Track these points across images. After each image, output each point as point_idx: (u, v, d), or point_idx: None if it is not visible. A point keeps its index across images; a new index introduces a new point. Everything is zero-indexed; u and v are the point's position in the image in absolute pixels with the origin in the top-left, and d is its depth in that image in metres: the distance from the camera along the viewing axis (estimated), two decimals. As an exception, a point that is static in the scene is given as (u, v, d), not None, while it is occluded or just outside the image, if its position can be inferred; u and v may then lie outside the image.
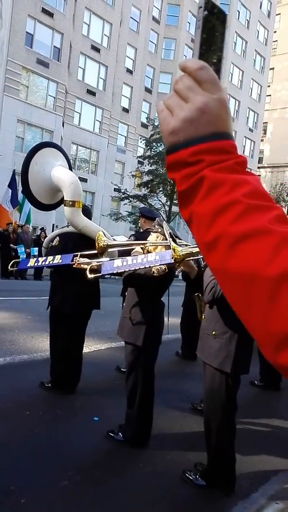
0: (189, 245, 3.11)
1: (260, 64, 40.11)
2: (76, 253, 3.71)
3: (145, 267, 3.08)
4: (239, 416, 4.04)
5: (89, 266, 3.34)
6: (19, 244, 13.46)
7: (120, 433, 3.33)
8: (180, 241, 3.15)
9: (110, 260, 3.33)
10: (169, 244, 2.88)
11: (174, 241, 2.75)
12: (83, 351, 4.92)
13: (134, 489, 2.76)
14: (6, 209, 15.49)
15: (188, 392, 4.65)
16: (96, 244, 3.28)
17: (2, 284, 12.60)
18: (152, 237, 3.40)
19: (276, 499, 2.92)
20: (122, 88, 29.73)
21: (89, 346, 5.78)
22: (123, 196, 23.90)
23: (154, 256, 2.98)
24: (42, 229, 16.02)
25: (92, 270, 3.34)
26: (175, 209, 25.71)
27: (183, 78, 0.58)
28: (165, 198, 24.47)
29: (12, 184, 15.64)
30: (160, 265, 2.99)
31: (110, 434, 3.34)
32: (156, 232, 3.30)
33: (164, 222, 3.16)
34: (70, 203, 3.94)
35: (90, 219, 4.18)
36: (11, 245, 13.55)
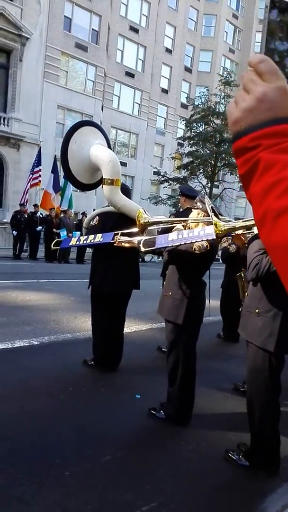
0: (231, 221, 3.01)
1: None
2: (117, 232, 3.69)
3: (185, 244, 3.01)
4: (285, 399, 3.96)
5: (142, 240, 3.31)
6: (61, 229, 13.72)
7: (162, 411, 3.33)
8: (222, 217, 3.04)
9: (163, 234, 3.28)
10: (211, 221, 2.80)
11: (217, 216, 2.66)
12: (125, 331, 4.97)
13: (175, 466, 2.76)
14: (50, 194, 15.82)
15: (230, 373, 4.59)
16: (137, 222, 3.24)
17: (46, 267, 12.96)
18: (193, 214, 3.32)
19: None
20: (161, 68, 29.25)
21: (130, 327, 5.82)
22: (162, 179, 23.71)
23: (198, 231, 2.91)
24: (84, 214, 16.25)
25: (144, 245, 3.31)
26: (215, 191, 25.24)
27: (248, 72, 0.63)
28: (206, 180, 24.02)
29: (54, 170, 15.91)
30: (202, 241, 2.91)
31: (152, 411, 3.35)
32: (198, 208, 3.21)
33: (206, 197, 3.06)
34: (109, 181, 3.92)
35: (130, 199, 4.15)
36: (54, 229, 13.85)
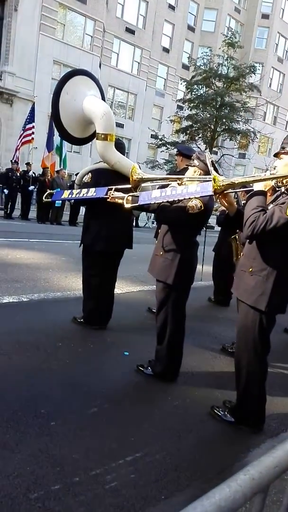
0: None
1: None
2: (111, 187, 3.58)
3: (181, 200, 2.91)
4: (271, 361, 4.00)
5: (126, 196, 3.17)
6: (55, 189, 13.47)
7: (149, 368, 3.34)
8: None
9: (147, 191, 3.17)
10: (207, 179, 2.69)
11: (216, 170, 2.56)
12: (116, 292, 4.93)
13: (161, 420, 2.78)
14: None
15: (220, 335, 4.61)
16: (130, 177, 3.13)
17: (38, 228, 12.81)
18: (190, 172, 3.21)
19: (305, 440, 2.88)
20: (163, 26, 28.05)
21: (121, 288, 5.80)
22: (160, 143, 23.19)
23: (195, 187, 2.80)
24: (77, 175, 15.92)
25: (129, 201, 3.18)
26: (214, 157, 24.80)
27: None
28: (205, 145, 23.55)
29: (49, 129, 15.42)
30: (200, 196, 2.81)
31: (140, 368, 3.36)
32: (194, 166, 3.09)
33: (206, 152, 2.94)
34: (102, 136, 3.76)
35: (124, 155, 4.00)
36: (48, 190, 13.57)
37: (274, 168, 2.61)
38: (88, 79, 4.07)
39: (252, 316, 2.62)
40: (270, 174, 2.52)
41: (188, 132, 23.05)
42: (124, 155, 4.02)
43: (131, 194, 3.26)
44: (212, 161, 2.59)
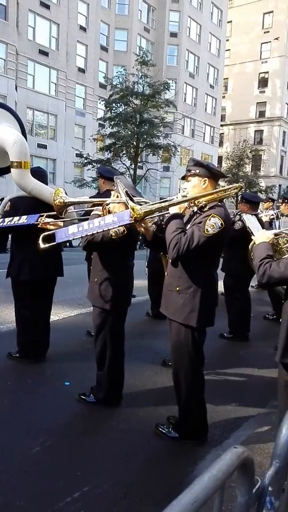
0: (148, 202, 2.98)
1: (217, 17, 38.94)
2: (43, 213, 3.56)
3: (103, 231, 2.94)
4: (210, 368, 4.14)
5: (41, 235, 3.13)
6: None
7: (92, 395, 3.32)
8: (138, 198, 3.01)
9: (63, 227, 3.17)
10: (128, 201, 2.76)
11: (131, 199, 2.63)
12: (53, 319, 4.82)
13: (108, 447, 2.77)
14: None
15: (159, 350, 4.69)
16: (53, 202, 3.12)
17: None
18: (113, 196, 3.27)
19: (248, 443, 3.00)
20: (76, 47, 28.31)
21: (58, 314, 5.70)
22: (85, 161, 23.19)
23: (111, 218, 2.84)
24: (2, 199, 15.46)
25: (46, 240, 3.13)
26: (140, 172, 25.33)
27: None
28: (129, 162, 23.97)
29: None
30: (118, 226, 2.87)
31: (82, 396, 3.32)
32: (116, 190, 3.17)
33: (121, 179, 3.00)
34: (15, 164, 3.73)
35: (46, 183, 3.98)
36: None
37: (184, 190, 2.77)
38: (2, 111, 4.02)
39: (185, 333, 2.72)
40: (182, 196, 2.67)
41: (112, 149, 23.33)
42: (45, 182, 4.00)
43: (60, 220, 3.24)
44: (126, 191, 2.65)
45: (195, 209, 2.73)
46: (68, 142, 27.42)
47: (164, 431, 2.94)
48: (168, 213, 2.75)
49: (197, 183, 2.72)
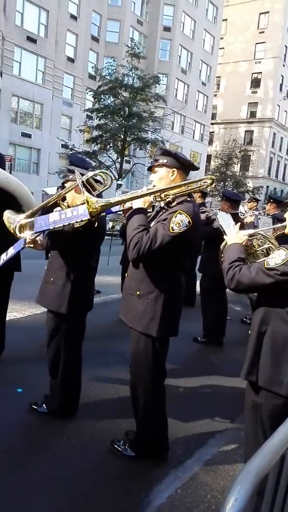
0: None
1: (212, 14, 38.59)
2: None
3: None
4: (178, 375, 3.87)
5: (18, 225, 2.75)
6: None
7: (44, 405, 3.01)
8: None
9: (44, 215, 2.78)
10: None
11: (89, 190, 2.31)
12: (15, 317, 4.51)
13: (54, 467, 2.48)
14: None
15: (126, 354, 4.39)
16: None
17: None
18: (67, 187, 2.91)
19: (212, 464, 2.74)
20: (66, 35, 27.64)
21: (23, 311, 5.35)
22: (71, 152, 22.73)
23: (70, 212, 2.50)
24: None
25: (23, 228, 2.74)
26: (126, 166, 24.94)
27: None
28: (116, 155, 23.57)
29: None
30: (77, 222, 2.52)
31: (33, 406, 3.01)
32: (72, 180, 2.83)
33: (77, 169, 2.63)
34: None
35: (3, 168, 3.61)
36: None
37: (151, 183, 2.46)
38: None
39: (144, 342, 2.43)
40: (147, 189, 2.36)
41: (98, 142, 22.90)
42: (3, 168, 3.63)
43: (22, 222, 2.84)
44: (83, 182, 2.32)
45: (162, 204, 2.43)
46: (54, 132, 26.83)
47: (119, 449, 2.66)
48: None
49: (164, 174, 2.41)
